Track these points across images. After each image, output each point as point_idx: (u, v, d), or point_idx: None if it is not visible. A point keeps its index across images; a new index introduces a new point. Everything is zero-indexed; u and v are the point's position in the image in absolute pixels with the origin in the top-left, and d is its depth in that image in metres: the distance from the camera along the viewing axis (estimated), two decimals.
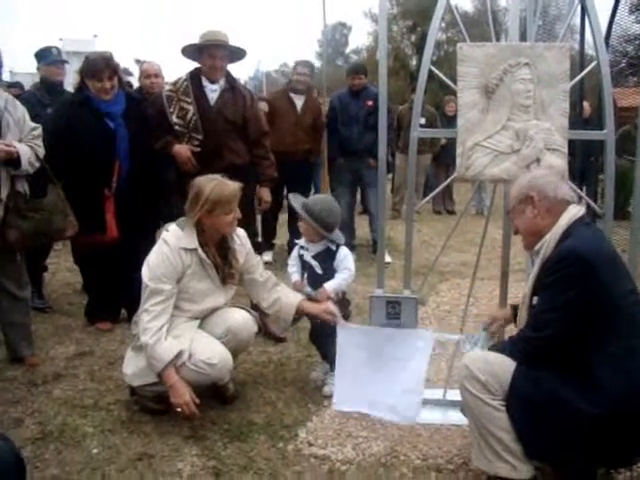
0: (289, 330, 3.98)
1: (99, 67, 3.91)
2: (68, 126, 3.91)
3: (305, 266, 3.38)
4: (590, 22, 2.86)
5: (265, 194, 4.32)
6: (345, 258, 3.32)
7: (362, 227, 6.98)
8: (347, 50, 39.31)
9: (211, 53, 3.98)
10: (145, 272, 2.95)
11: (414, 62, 28.26)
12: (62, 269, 5.57)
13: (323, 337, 3.31)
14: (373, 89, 6.02)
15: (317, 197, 3.74)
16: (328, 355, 3.31)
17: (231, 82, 4.14)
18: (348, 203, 6.57)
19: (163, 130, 4.05)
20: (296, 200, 3.41)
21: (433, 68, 2.93)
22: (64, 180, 3.73)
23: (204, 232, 3.02)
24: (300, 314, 3.27)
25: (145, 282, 2.95)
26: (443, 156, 9.27)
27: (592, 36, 2.89)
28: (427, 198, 3.85)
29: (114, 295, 4.31)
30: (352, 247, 6.51)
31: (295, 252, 3.46)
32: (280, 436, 2.87)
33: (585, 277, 2.17)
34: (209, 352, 2.95)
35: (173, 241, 2.96)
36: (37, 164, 3.46)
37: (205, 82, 4.05)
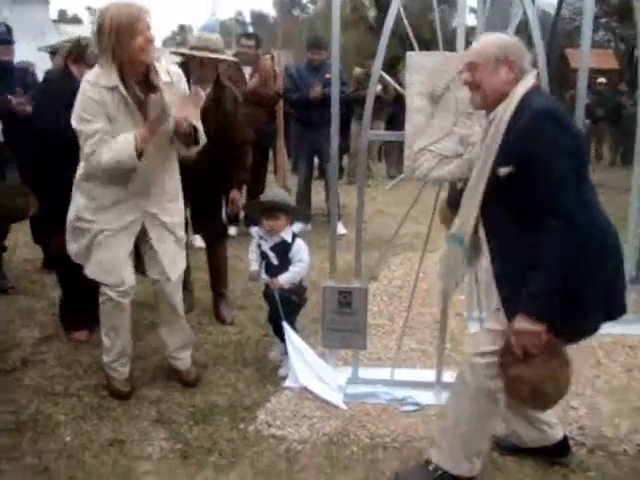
0: (237, 315, 4.26)
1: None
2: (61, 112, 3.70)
3: (263, 256, 3.56)
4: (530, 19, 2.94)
5: (237, 196, 4.25)
6: (300, 251, 3.51)
7: (319, 194, 6.98)
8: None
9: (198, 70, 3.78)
10: (73, 119, 2.87)
11: (372, 14, 27.95)
12: (20, 245, 5.56)
13: (279, 320, 3.49)
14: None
15: (270, 192, 3.88)
16: (284, 337, 3.51)
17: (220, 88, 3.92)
18: (305, 174, 6.72)
19: None
20: (257, 207, 3.60)
21: (384, 74, 3.11)
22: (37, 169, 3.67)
23: (123, 67, 2.84)
24: None
25: (76, 128, 2.86)
26: (394, 120, 9.33)
27: (532, 35, 2.97)
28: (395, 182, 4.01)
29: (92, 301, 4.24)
30: (309, 217, 6.69)
31: (254, 242, 3.63)
32: (241, 418, 3.06)
33: (569, 126, 2.22)
34: None
35: (93, 78, 2.84)
36: None
37: None
